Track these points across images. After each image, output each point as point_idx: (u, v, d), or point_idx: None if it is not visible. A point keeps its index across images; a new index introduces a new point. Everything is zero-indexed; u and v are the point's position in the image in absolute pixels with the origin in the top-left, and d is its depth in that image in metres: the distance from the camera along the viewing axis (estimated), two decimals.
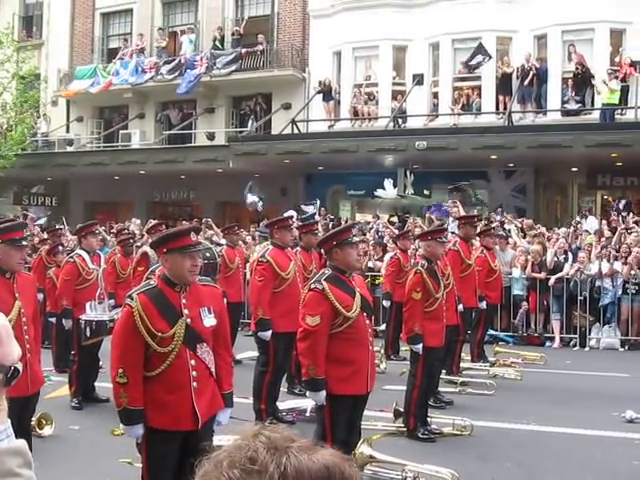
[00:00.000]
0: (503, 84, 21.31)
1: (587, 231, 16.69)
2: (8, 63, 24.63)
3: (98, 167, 23.66)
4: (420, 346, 7.72)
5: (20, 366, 1.53)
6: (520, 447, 7.54)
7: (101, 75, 26.00)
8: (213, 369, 4.73)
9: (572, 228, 16.30)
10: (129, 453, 5.77)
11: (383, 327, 13.44)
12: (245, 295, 12.22)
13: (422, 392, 7.84)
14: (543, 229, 16.43)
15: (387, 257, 14.38)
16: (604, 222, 17.27)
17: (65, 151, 25.92)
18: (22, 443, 1.54)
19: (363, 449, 6.34)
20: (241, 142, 22.11)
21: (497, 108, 21.46)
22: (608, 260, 14.39)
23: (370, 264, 15.68)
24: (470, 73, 21.48)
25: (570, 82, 20.59)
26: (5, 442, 1.51)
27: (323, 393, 5.62)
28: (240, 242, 14.14)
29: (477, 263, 11.19)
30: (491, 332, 13.73)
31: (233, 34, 24.79)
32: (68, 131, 27.42)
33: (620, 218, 16.81)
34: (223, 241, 13.58)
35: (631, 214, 17.19)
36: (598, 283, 14.38)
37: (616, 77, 19.44)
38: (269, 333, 8.23)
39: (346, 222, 20.98)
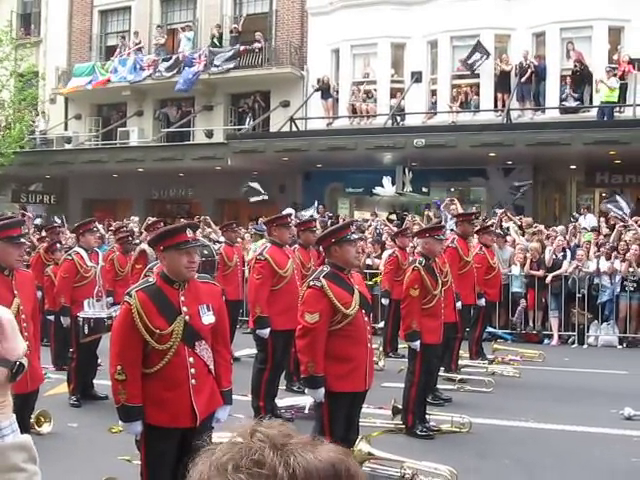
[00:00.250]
0: (501, 82, 21.31)
1: (585, 228, 16.71)
2: (7, 61, 24.63)
3: (96, 165, 23.65)
4: (418, 343, 7.73)
5: (25, 361, 1.53)
6: (519, 444, 7.55)
7: (99, 73, 25.99)
8: (212, 366, 4.73)
9: (571, 225, 16.30)
10: (128, 450, 5.77)
11: (381, 325, 13.44)
12: (243, 293, 12.22)
13: (420, 389, 7.84)
14: (542, 227, 16.43)
15: (385, 255, 14.38)
16: (602, 219, 17.28)
17: (63, 149, 25.90)
18: (27, 438, 1.55)
19: (362, 446, 6.34)
20: (239, 140, 22.10)
21: (495, 106, 21.46)
22: (607, 258, 14.40)
23: (369, 262, 15.69)
24: (469, 71, 21.48)
25: (568, 80, 20.61)
26: (10, 437, 1.51)
27: (322, 390, 5.62)
28: (239, 240, 14.14)
29: (476, 260, 11.20)
30: (489, 329, 13.74)
31: (231, 31, 24.78)
32: (66, 129, 27.41)
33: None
34: (222, 239, 13.58)
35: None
36: (596, 280, 14.38)
37: (614, 75, 19.44)
38: (267, 331, 8.23)
39: (344, 220, 21.02)
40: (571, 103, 20.61)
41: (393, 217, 20.64)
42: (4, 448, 1.50)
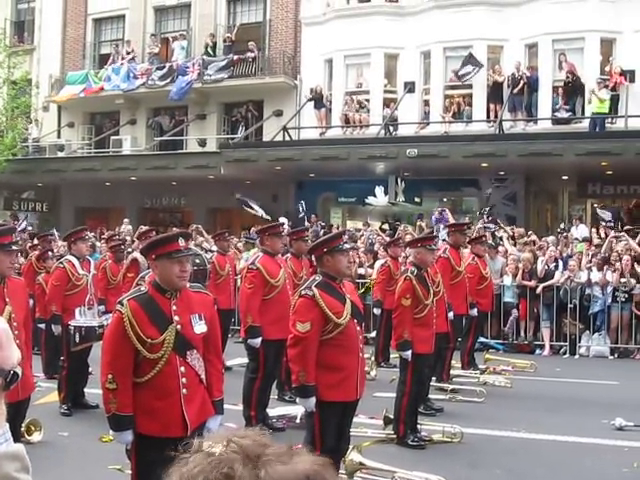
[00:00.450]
0: (494, 92, 21.39)
1: (577, 239, 16.75)
2: (0, 68, 24.59)
3: (89, 173, 23.62)
4: (409, 353, 7.73)
5: (20, 370, 1.53)
6: (510, 454, 7.55)
7: (92, 81, 25.98)
8: (203, 376, 4.72)
9: (560, 237, 16.35)
10: (118, 460, 5.75)
11: (373, 334, 13.44)
12: (236, 302, 12.21)
13: (412, 399, 7.84)
14: (534, 237, 16.47)
15: (377, 265, 14.39)
16: (594, 230, 17.33)
17: (56, 157, 25.84)
18: (20, 447, 1.54)
19: (353, 456, 6.34)
20: (232, 149, 22.11)
21: (488, 116, 21.53)
22: (599, 269, 14.44)
23: (361, 271, 15.70)
24: (460, 83, 21.56)
25: (560, 91, 20.71)
26: (3, 446, 1.51)
27: (313, 399, 5.61)
28: (231, 249, 14.13)
29: (468, 270, 11.21)
30: (481, 339, 13.75)
31: (225, 41, 24.82)
32: (59, 137, 27.38)
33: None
34: (214, 248, 13.58)
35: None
36: (588, 291, 14.42)
37: (606, 86, 19.54)
38: (259, 340, 8.22)
39: (337, 229, 21.03)
40: (563, 114, 20.70)
41: (385, 227, 20.66)
42: None
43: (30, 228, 23.60)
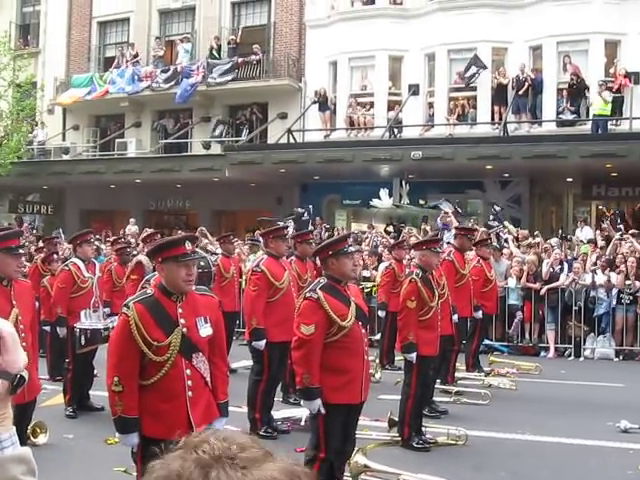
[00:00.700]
0: (498, 94, 21.38)
1: (582, 241, 16.73)
2: (5, 71, 24.66)
3: (94, 175, 23.66)
4: (414, 355, 7.73)
5: (26, 374, 1.54)
6: (515, 457, 7.55)
7: (97, 84, 26.04)
8: (208, 378, 4.73)
9: (561, 240, 16.36)
10: (124, 462, 5.76)
11: (378, 337, 13.44)
12: (240, 304, 12.22)
13: (417, 401, 7.84)
14: (539, 239, 16.45)
15: (382, 267, 14.39)
16: (598, 232, 17.32)
17: (61, 159, 25.89)
18: (26, 450, 1.55)
19: (358, 458, 6.34)
20: (237, 151, 22.13)
21: (492, 118, 21.53)
22: (603, 271, 14.42)
23: (366, 273, 15.70)
24: (466, 85, 21.56)
25: (565, 93, 20.69)
26: (10, 449, 1.52)
27: (318, 402, 5.61)
28: (236, 251, 14.13)
29: (473, 273, 11.23)
30: (486, 342, 13.73)
31: (229, 43, 24.85)
32: (64, 139, 27.42)
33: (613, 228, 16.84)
34: (218, 250, 13.58)
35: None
36: (593, 293, 14.40)
37: (608, 88, 19.53)
38: (263, 342, 8.23)
39: (341, 232, 21.03)
40: (568, 116, 20.69)
41: (390, 229, 20.65)
42: (3, 460, 1.50)
43: (35, 231, 23.69)
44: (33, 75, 26.57)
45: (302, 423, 8.19)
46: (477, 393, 10.13)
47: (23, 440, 5.16)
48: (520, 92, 20.88)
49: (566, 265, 14.96)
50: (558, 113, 20.88)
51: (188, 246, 4.70)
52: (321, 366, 5.61)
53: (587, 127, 20.23)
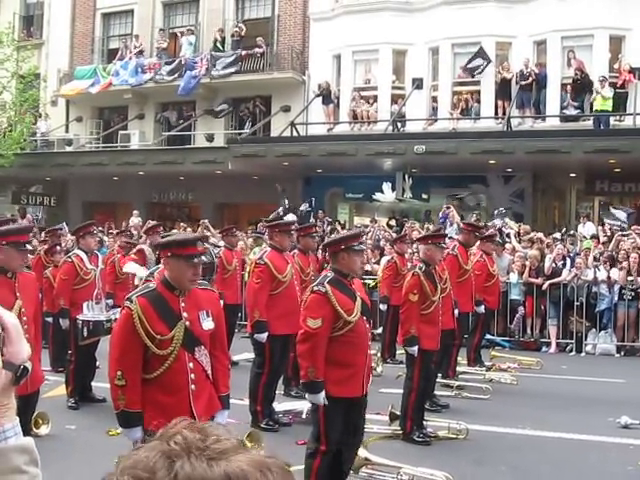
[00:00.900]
0: (502, 89, 21.36)
1: (585, 237, 16.73)
2: (8, 62, 24.65)
3: (97, 167, 23.67)
4: (416, 348, 7.75)
5: (29, 365, 1.55)
6: (515, 451, 7.56)
7: (101, 75, 26.01)
8: (210, 372, 4.75)
9: (562, 236, 16.36)
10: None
11: (380, 330, 13.45)
12: (242, 297, 12.24)
13: (419, 395, 7.86)
14: (540, 234, 16.44)
15: (384, 261, 14.40)
16: (600, 228, 17.31)
17: (64, 151, 25.91)
18: (29, 441, 1.57)
19: (359, 452, 6.36)
20: (240, 144, 22.13)
21: (496, 113, 21.50)
22: (605, 267, 14.41)
23: (368, 267, 15.71)
24: (470, 77, 21.55)
25: (569, 88, 20.65)
26: (13, 439, 1.54)
27: (322, 395, 5.62)
28: (239, 244, 14.14)
29: (476, 267, 11.23)
30: (488, 336, 13.74)
31: (233, 35, 24.81)
32: (67, 131, 27.43)
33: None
34: (221, 243, 13.60)
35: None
36: (595, 289, 14.40)
37: (611, 84, 19.51)
38: (265, 335, 8.25)
39: (344, 225, 21.07)
40: (571, 111, 20.66)
41: (392, 223, 20.67)
42: (6, 450, 1.52)
43: (37, 222, 23.70)
44: (36, 66, 26.56)
45: (303, 416, 8.21)
46: (478, 387, 10.15)
47: (26, 431, 5.16)
48: (523, 83, 20.80)
49: (568, 260, 14.96)
50: (562, 108, 20.85)
51: (200, 247, 4.72)
52: (325, 360, 5.62)
53: (591, 122, 20.19)
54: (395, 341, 11.73)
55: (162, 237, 4.90)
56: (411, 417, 7.81)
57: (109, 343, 4.79)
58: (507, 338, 14.77)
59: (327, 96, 23.15)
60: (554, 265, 14.77)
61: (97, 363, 9.61)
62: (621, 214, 17.38)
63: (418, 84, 22.27)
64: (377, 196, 20.87)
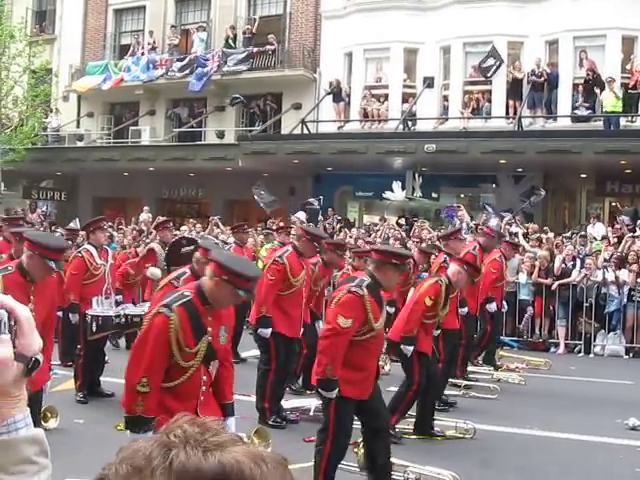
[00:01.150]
0: (513, 89, 21.31)
1: (595, 238, 16.68)
2: (20, 57, 24.72)
3: (108, 163, 23.74)
4: (411, 348, 7.69)
5: (41, 357, 1.57)
6: (522, 452, 7.55)
7: (112, 71, 26.09)
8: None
9: (576, 236, 16.31)
10: None
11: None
12: None
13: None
14: (551, 234, 16.40)
15: None
16: (609, 229, 17.26)
17: (75, 146, 26.00)
18: (39, 432, 1.59)
19: (363, 450, 6.36)
20: (251, 141, 22.15)
21: (507, 113, 21.46)
22: (615, 268, 14.37)
23: None
24: (482, 77, 21.49)
25: (580, 88, 20.58)
26: (24, 430, 1.55)
27: (335, 393, 5.66)
28: (249, 240, 14.13)
29: (492, 266, 11.22)
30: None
31: (245, 33, 24.82)
32: (78, 126, 27.54)
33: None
34: (230, 239, 13.61)
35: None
36: (604, 290, 14.36)
37: (623, 85, 19.44)
38: (269, 331, 8.25)
39: (353, 223, 21.08)
40: (583, 112, 20.59)
41: (402, 222, 20.66)
42: (17, 441, 1.54)
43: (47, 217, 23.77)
44: (48, 61, 26.62)
45: (311, 413, 8.23)
46: (486, 387, 10.15)
47: (36, 423, 5.17)
48: (535, 87, 20.74)
49: (578, 261, 14.92)
50: (573, 108, 20.79)
51: (253, 284, 4.73)
52: (342, 361, 5.66)
53: (602, 123, 20.13)
54: None
55: (217, 259, 4.75)
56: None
57: (135, 347, 4.69)
58: (515, 338, 14.75)
59: (338, 94, 23.15)
60: (564, 266, 14.74)
61: (106, 358, 9.64)
62: (625, 219, 17.38)
63: (429, 83, 22.24)
64: (387, 195, 20.86)
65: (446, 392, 9.51)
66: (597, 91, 19.84)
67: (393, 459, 6.45)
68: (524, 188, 20.63)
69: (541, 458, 7.34)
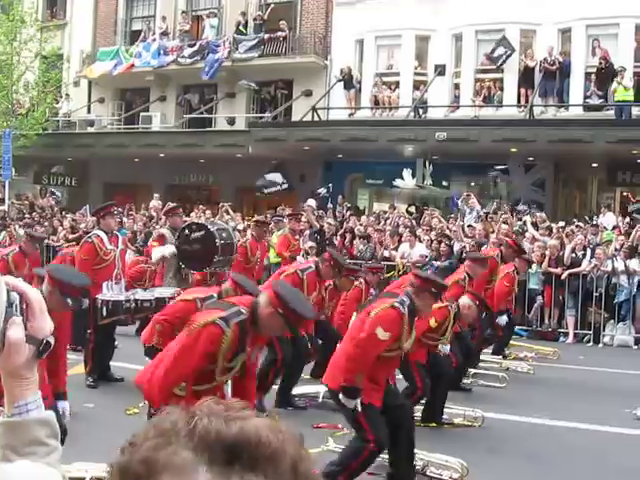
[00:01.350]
0: (525, 77, 21.21)
1: (605, 228, 16.62)
2: (31, 42, 24.75)
3: (118, 149, 23.78)
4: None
5: (52, 339, 1.59)
6: (530, 440, 7.56)
7: (123, 57, 26.07)
8: None
9: (587, 225, 16.25)
10: None
11: None
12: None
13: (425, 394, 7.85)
14: (562, 224, 16.34)
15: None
16: (620, 219, 17.19)
17: (86, 132, 26.05)
18: (50, 414, 1.61)
19: None
20: (261, 128, 22.13)
21: (519, 101, 21.37)
22: (626, 258, 14.32)
23: (386, 254, 15.69)
24: (493, 66, 21.39)
25: (593, 77, 20.46)
26: (35, 412, 1.57)
27: (357, 402, 5.69)
28: (266, 237, 14.09)
29: (506, 280, 11.16)
30: None
31: (256, 19, 24.76)
32: (89, 112, 27.55)
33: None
34: (240, 226, 13.61)
35: None
36: (614, 280, 14.33)
37: (636, 74, 19.32)
38: None
39: (363, 211, 21.06)
40: (595, 101, 20.48)
41: (412, 210, 20.62)
42: (28, 422, 1.56)
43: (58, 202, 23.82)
44: (59, 47, 26.65)
45: (319, 399, 8.25)
46: (494, 376, 10.16)
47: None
48: (547, 75, 20.62)
49: (589, 251, 14.87)
50: (585, 97, 20.67)
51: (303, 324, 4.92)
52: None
53: (613, 112, 20.02)
54: None
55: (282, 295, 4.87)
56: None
57: (180, 348, 4.75)
58: (525, 327, 14.73)
59: (349, 81, 23.09)
60: (574, 255, 14.70)
61: (116, 343, 9.68)
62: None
63: (440, 70, 22.15)
64: (397, 182, 20.82)
65: None
66: (612, 80, 19.70)
67: None
68: (535, 177, 20.53)
69: (548, 447, 7.35)
